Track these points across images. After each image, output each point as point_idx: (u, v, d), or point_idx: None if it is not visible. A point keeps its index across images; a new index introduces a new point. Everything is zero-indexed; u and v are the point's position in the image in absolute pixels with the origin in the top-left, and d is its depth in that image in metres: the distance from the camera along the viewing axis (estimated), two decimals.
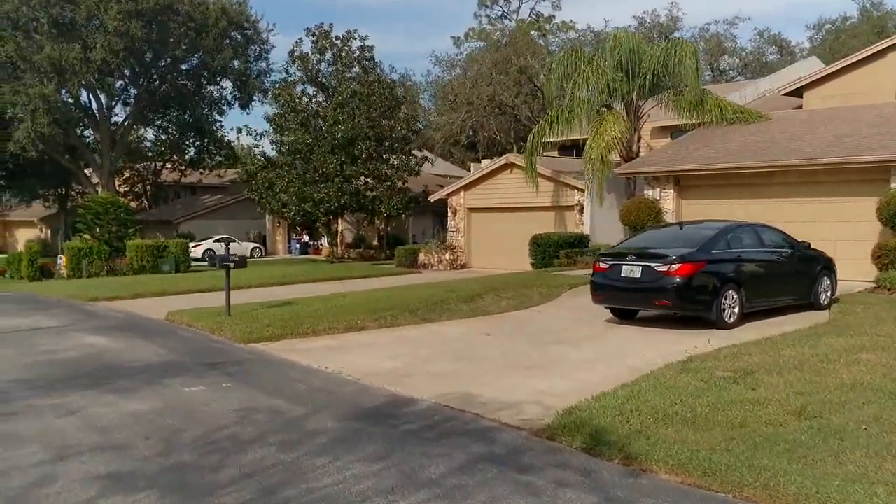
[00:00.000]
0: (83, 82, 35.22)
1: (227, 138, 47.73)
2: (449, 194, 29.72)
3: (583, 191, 24.86)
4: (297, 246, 45.00)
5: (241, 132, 48.38)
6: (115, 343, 12.82)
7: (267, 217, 46.81)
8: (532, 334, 12.30)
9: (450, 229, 29.67)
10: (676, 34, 52.77)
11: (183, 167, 49.51)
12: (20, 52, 34.42)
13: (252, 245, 43.90)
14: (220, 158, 48.21)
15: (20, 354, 11.65)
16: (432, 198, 31.81)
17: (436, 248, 28.74)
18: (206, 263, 36.55)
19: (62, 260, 29.50)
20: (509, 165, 27.31)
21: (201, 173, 50.80)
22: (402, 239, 39.41)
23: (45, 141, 36.47)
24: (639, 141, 23.96)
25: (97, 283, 25.66)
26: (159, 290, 22.57)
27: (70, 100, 38.76)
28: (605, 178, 22.12)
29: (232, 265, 14.28)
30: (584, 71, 22.77)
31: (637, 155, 23.55)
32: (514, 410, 7.37)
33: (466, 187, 29.10)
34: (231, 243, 42.70)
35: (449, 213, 29.84)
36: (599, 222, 24.67)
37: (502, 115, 50.55)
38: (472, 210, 29.01)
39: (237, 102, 42.10)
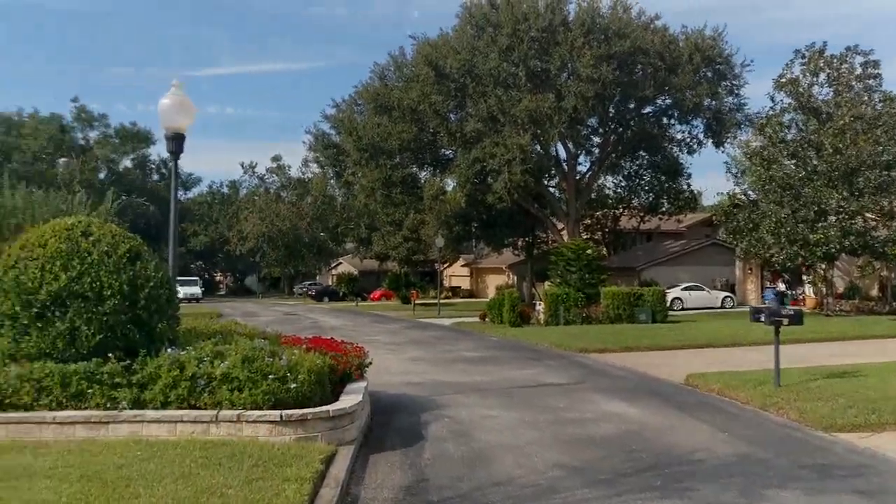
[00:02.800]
0: (557, 131, 35.66)
1: (688, 182, 44.90)
2: None
3: None
4: (773, 295, 39.63)
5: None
6: (646, 415, 10.46)
7: (736, 263, 42.40)
8: None
9: None
10: None
11: (642, 214, 48.09)
12: (501, 106, 36.28)
13: (723, 294, 39.93)
14: (681, 203, 45.50)
15: (546, 424, 9.95)
16: None
17: None
18: (675, 311, 33.80)
19: (541, 306, 29.47)
20: None
21: (660, 219, 48.68)
22: None
23: (518, 191, 37.88)
24: None
25: (577, 331, 24.60)
26: (649, 343, 20.39)
27: (540, 150, 39.93)
28: None
29: (785, 321, 10.94)
30: None
31: None
32: None
33: None
34: (699, 291, 40.06)
35: None
36: None
37: None
38: None
39: (710, 140, 38.96)
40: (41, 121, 76.33)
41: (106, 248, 8.78)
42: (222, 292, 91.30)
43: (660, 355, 18.39)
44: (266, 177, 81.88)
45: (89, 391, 8.17)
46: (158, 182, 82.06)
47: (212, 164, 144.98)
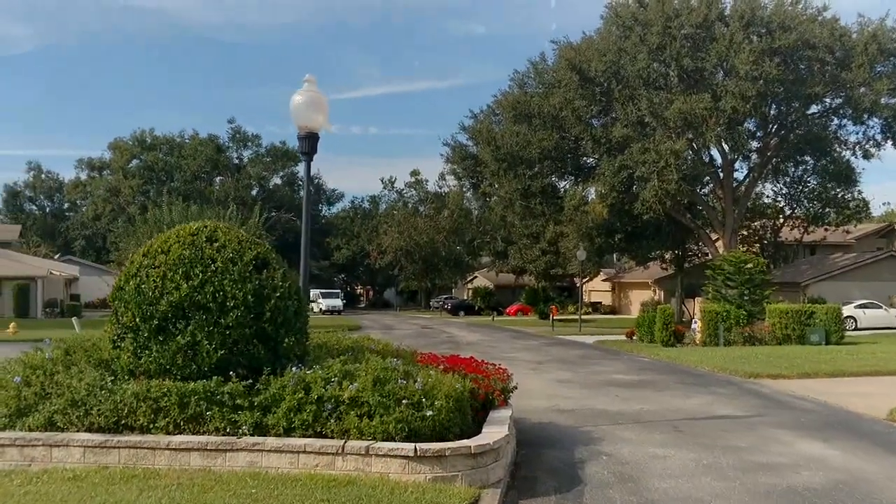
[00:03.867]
0: (713, 135, 33.01)
1: (859, 190, 40.53)
2: None
3: None
4: None
5: None
6: (853, 460, 8.54)
7: None
8: None
9: None
10: None
11: (805, 224, 43.97)
12: (651, 109, 34.11)
13: None
14: (849, 212, 41.13)
15: (731, 469, 8.25)
16: None
17: None
18: (848, 332, 30.20)
19: (698, 325, 27.05)
20: None
21: (826, 230, 44.38)
22: None
23: (669, 199, 35.46)
24: None
25: (741, 353, 22.15)
26: (830, 368, 17.84)
27: (693, 155, 37.25)
28: None
29: None
30: None
31: None
32: None
33: None
34: (875, 309, 35.79)
35: None
36: None
37: None
38: None
39: (890, 142, 34.84)
40: (200, 142, 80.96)
41: (231, 255, 8.01)
42: (362, 305, 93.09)
43: (845, 383, 15.92)
44: (404, 191, 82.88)
45: (208, 413, 7.37)
46: None
47: (355, 181, 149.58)
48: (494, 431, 7.78)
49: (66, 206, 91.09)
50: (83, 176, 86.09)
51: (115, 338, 7.89)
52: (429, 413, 7.44)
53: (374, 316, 62.62)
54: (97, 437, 7.11)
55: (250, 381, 7.59)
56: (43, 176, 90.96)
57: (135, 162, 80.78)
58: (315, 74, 9.71)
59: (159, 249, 8.06)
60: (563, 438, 10.03)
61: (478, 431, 7.92)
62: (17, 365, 8.08)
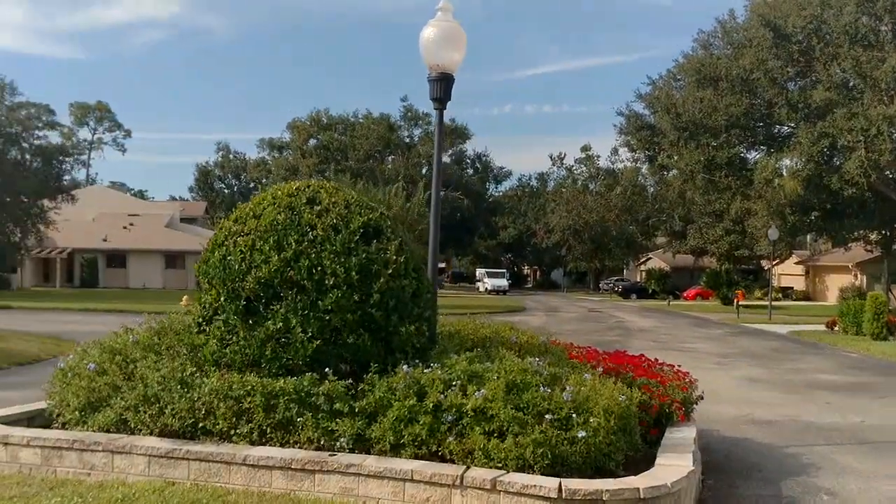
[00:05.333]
0: None
1: None
2: None
3: None
4: None
5: None
6: None
7: None
8: None
9: None
10: None
11: None
12: (858, 69, 29.41)
13: None
14: None
15: None
16: None
17: None
18: None
19: None
20: None
21: None
22: None
23: (878, 172, 30.57)
24: None
25: None
26: None
27: None
28: None
29: None
30: None
31: None
32: None
33: None
34: None
35: None
36: None
37: None
38: None
39: None
40: (373, 121, 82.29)
41: (334, 221, 6.42)
42: (529, 286, 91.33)
43: None
44: (574, 168, 79.71)
45: (299, 419, 5.85)
46: (472, 176, 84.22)
47: (524, 161, 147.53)
48: (673, 464, 5.67)
49: (251, 184, 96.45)
50: (265, 155, 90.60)
51: (201, 321, 6.55)
52: (580, 434, 5.50)
53: (541, 297, 60.65)
54: (164, 445, 5.78)
55: (350, 380, 5.99)
56: (231, 156, 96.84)
57: (312, 141, 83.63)
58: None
59: (251, 213, 6.63)
60: (763, 463, 7.69)
61: (649, 459, 5.87)
62: (95, 349, 6.98)
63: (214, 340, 6.39)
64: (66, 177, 55.89)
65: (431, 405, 5.74)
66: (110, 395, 6.37)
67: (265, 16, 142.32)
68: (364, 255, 6.30)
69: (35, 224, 47.35)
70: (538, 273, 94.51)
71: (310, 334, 6.08)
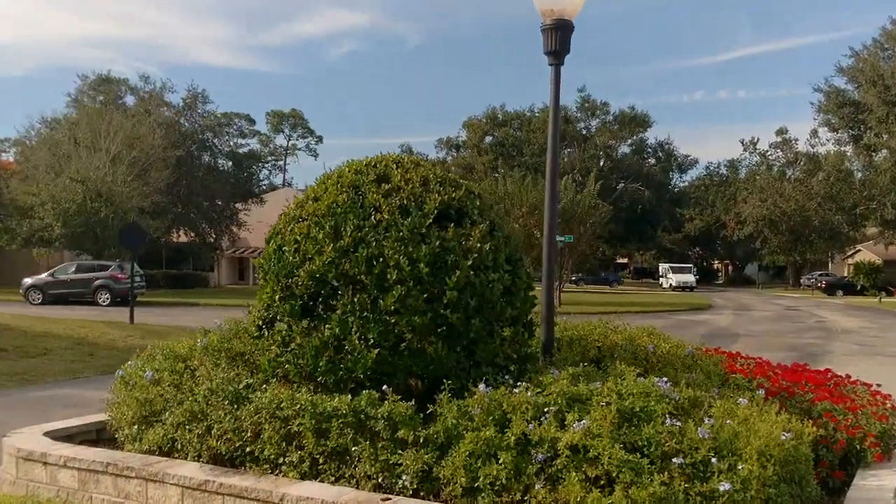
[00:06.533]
0: None
1: None
2: None
3: None
4: None
5: None
6: None
7: None
8: None
9: None
10: None
11: None
12: None
13: None
14: None
15: None
16: None
17: None
18: None
19: None
20: None
21: None
22: None
23: None
24: None
25: None
26: None
27: None
28: None
29: None
30: None
31: None
32: None
33: None
34: None
35: None
36: None
37: None
38: None
39: None
40: (548, 114, 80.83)
41: (402, 202, 5.19)
42: (719, 281, 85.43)
43: None
44: (769, 153, 73.08)
45: (354, 448, 4.68)
46: (654, 166, 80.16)
47: (714, 149, 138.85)
48: None
49: None
50: (443, 155, 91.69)
51: (260, 323, 5.58)
52: (723, 487, 3.94)
53: (731, 294, 56.08)
54: (198, 475, 4.81)
55: (412, 401, 4.73)
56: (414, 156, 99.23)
57: (488, 139, 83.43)
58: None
59: (312, 195, 5.55)
60: None
61: None
62: (160, 353, 6.24)
63: (275, 347, 5.39)
64: (264, 181, 59.62)
65: (514, 438, 4.35)
66: (164, 409, 5.57)
67: (455, 19, 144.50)
68: (438, 243, 5.00)
69: (228, 226, 50.62)
70: (730, 268, 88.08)
71: (370, 341, 4.90)
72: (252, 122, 62.85)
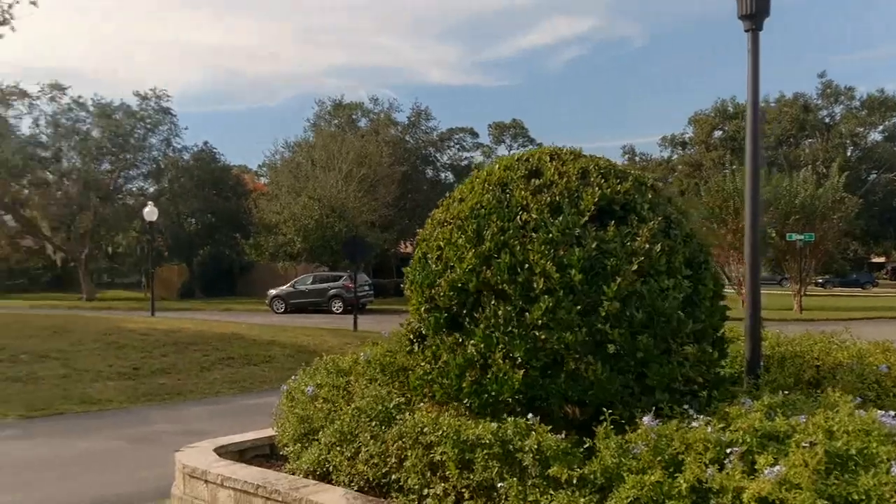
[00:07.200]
0: None
1: None
2: None
3: None
4: None
5: None
6: None
7: None
8: None
9: None
10: None
11: None
12: None
13: None
14: None
15: None
16: None
17: None
18: None
19: None
20: None
21: None
22: None
23: None
24: None
25: None
26: None
27: None
28: None
29: None
30: None
31: None
32: None
33: None
34: None
35: None
36: None
37: None
38: None
39: None
40: (785, 103, 74.13)
41: (554, 199, 4.46)
42: None
43: None
44: None
45: (501, 485, 4.05)
46: None
47: None
48: None
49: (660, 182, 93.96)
50: (667, 154, 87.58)
51: (413, 337, 5.13)
52: None
53: None
54: None
55: (575, 435, 3.99)
56: (636, 159, 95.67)
57: (717, 133, 78.35)
58: None
59: (459, 195, 5.01)
60: None
61: None
62: (322, 367, 6.03)
63: (424, 363, 4.92)
64: None
65: (687, 486, 3.47)
66: (321, 428, 5.32)
67: (679, 15, 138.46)
68: (594, 245, 4.23)
69: None
70: None
71: (517, 360, 4.25)
72: (475, 134, 64.37)
